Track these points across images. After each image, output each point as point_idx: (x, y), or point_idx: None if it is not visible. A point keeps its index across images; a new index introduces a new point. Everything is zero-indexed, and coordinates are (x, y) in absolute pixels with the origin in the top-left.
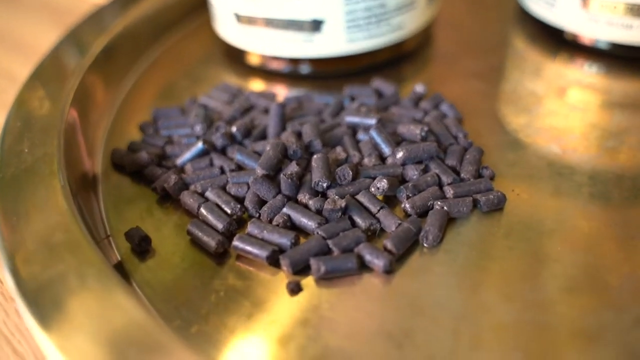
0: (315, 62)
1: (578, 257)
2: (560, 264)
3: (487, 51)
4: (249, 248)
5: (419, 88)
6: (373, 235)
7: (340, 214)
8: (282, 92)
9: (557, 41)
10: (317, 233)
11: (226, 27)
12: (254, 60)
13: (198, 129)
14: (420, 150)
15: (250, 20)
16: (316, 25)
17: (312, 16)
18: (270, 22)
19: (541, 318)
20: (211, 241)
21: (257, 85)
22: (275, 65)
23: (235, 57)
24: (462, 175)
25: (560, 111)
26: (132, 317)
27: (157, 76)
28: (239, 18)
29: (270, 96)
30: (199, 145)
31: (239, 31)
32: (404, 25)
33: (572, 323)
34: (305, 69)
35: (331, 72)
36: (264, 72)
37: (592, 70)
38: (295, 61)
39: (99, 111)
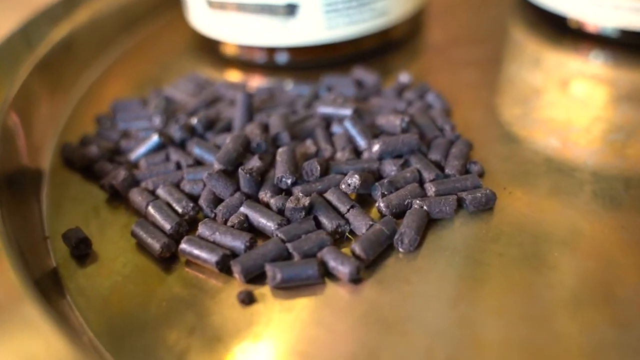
0: (293, 51)
1: (579, 265)
2: (557, 273)
3: (483, 40)
4: (196, 252)
5: (403, 77)
6: (341, 238)
7: (303, 213)
8: (258, 84)
9: (559, 29)
10: (276, 235)
11: (198, 15)
12: (229, 50)
13: (157, 121)
14: (399, 143)
15: (221, 6)
16: (291, 10)
17: (286, 0)
18: (243, 7)
19: (534, 335)
20: (155, 244)
21: (233, 77)
22: (251, 56)
23: (210, 49)
24: (446, 171)
25: (561, 103)
26: (45, 337)
27: (126, 68)
28: (210, 4)
29: (241, 87)
30: (154, 138)
31: (211, 19)
32: (389, 11)
33: (571, 341)
34: (282, 59)
35: (311, 62)
36: (240, 63)
37: (597, 60)
38: (271, 50)
39: (52, 103)
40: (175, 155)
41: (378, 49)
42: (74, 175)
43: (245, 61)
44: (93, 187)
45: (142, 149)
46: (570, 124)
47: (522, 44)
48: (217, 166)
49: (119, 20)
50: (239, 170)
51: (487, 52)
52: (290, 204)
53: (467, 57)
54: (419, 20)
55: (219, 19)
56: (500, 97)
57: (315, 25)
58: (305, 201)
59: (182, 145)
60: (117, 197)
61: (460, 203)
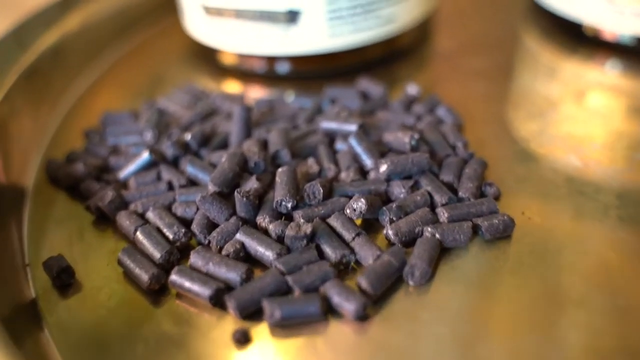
0: (295, 60)
1: (606, 300)
2: (583, 309)
3: (494, 49)
4: (188, 284)
5: (412, 89)
6: (345, 269)
7: (305, 241)
8: (258, 95)
9: (575, 37)
10: (275, 266)
11: (195, 22)
12: (227, 59)
13: (148, 136)
14: (408, 163)
15: (219, 12)
16: (292, 17)
17: (287, 6)
18: (241, 14)
19: None
20: (144, 275)
21: (230, 87)
22: (250, 65)
23: (207, 58)
24: (460, 193)
25: (579, 117)
26: None
27: (118, 78)
28: (207, 10)
29: (239, 99)
30: (145, 155)
31: (208, 26)
32: (396, 18)
33: None
34: (283, 69)
35: (314, 72)
36: (239, 73)
37: (615, 69)
38: (272, 60)
39: (37, 116)
40: (167, 174)
41: (384, 58)
42: (59, 193)
43: (244, 71)
44: (79, 206)
45: (131, 167)
46: (591, 140)
47: (535, 53)
48: (211, 188)
49: (111, 27)
50: (235, 193)
51: (499, 61)
52: (290, 232)
53: (477, 66)
54: (426, 27)
55: (216, 26)
56: (515, 111)
57: (318, 33)
58: (307, 229)
59: (174, 163)
60: (104, 219)
61: (475, 230)
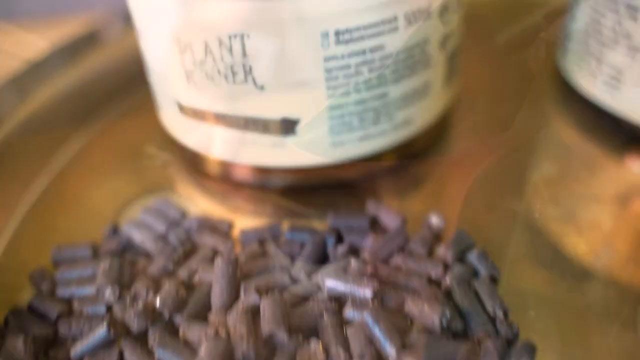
0: (292, 172)
1: None
2: None
3: (522, 147)
4: None
5: (435, 220)
6: None
7: None
8: (248, 208)
9: (617, 132)
10: None
11: (171, 118)
12: (210, 166)
13: (107, 293)
14: (439, 356)
15: (195, 114)
16: (288, 127)
17: (280, 113)
18: (223, 119)
19: None
20: None
21: (215, 197)
22: (237, 175)
23: (187, 159)
24: None
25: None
26: None
27: (77, 183)
28: (182, 109)
29: (224, 229)
30: (102, 331)
31: (185, 125)
32: (413, 120)
33: None
34: (278, 181)
35: (314, 185)
36: (225, 180)
37: None
38: (264, 170)
39: None
40: (130, 355)
41: (396, 165)
42: None
43: (231, 180)
44: None
45: (85, 344)
46: None
47: (573, 155)
48: None
49: (68, 113)
50: None
51: (529, 165)
52: None
53: (504, 172)
54: (444, 122)
55: (195, 127)
56: (557, 260)
57: (319, 142)
58: None
59: (143, 337)
60: None
61: None
